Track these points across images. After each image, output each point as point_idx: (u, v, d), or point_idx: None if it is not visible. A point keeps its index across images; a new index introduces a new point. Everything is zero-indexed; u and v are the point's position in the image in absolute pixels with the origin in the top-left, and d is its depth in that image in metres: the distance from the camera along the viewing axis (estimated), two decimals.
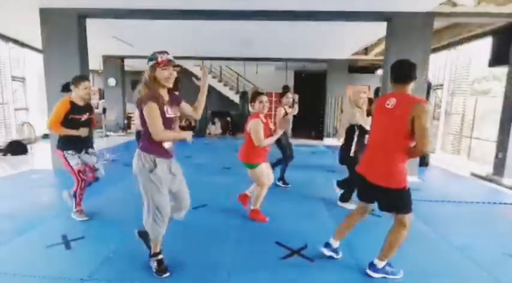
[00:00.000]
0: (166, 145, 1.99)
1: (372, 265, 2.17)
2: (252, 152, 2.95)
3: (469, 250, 2.58)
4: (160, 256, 2.14)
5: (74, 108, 2.83)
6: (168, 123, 1.94)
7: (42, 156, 6.12)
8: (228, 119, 10.97)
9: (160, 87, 1.93)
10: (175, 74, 1.95)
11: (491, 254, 2.56)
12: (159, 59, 1.87)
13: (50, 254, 2.40)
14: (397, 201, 2.00)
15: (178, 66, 1.97)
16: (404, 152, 1.94)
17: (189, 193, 2.21)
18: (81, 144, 2.94)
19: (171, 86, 1.95)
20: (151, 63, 1.89)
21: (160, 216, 2.00)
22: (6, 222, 2.97)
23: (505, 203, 3.94)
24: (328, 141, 9.62)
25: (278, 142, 4.29)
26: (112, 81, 10.06)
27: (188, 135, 1.99)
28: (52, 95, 4.94)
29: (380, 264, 2.14)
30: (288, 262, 2.37)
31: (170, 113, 1.96)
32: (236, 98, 11.24)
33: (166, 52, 1.92)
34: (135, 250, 2.40)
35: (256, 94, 3.05)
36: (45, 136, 7.83)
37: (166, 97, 1.97)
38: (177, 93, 2.13)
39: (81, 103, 2.89)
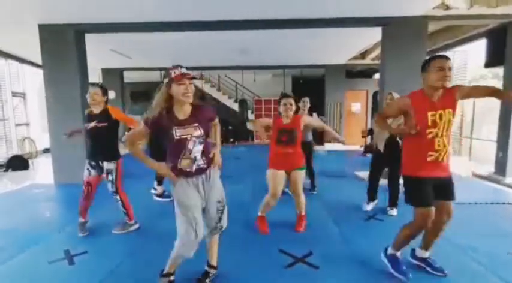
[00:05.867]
0: (182, 165, 1.87)
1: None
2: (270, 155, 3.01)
3: (474, 252, 2.56)
4: (172, 278, 2.07)
5: (87, 116, 2.92)
6: (178, 145, 1.83)
7: (44, 170, 6.13)
8: (230, 127, 11.01)
9: (179, 104, 1.83)
10: (192, 87, 1.81)
11: (496, 255, 2.53)
12: (173, 75, 1.77)
13: (53, 270, 2.38)
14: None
15: (193, 78, 1.82)
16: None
17: (220, 213, 2.06)
18: (95, 155, 2.91)
19: (190, 100, 1.82)
20: (166, 80, 1.80)
21: (183, 235, 1.90)
22: (9, 238, 2.96)
23: (508, 203, 3.92)
24: (329, 146, 9.62)
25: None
26: (111, 94, 10.12)
27: (163, 170, 1.92)
28: (52, 109, 4.98)
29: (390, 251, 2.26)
30: (293, 270, 2.35)
31: (178, 133, 1.81)
32: (235, 106, 11.30)
33: (179, 66, 1.80)
34: (139, 265, 2.39)
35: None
36: (46, 150, 7.85)
37: (186, 114, 1.86)
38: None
39: (93, 111, 2.90)
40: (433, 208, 2.02)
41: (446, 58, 2.00)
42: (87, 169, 2.93)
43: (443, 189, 2.07)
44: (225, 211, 2.10)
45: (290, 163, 2.94)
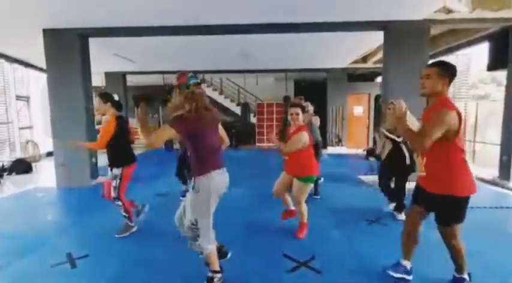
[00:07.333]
0: None
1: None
2: (314, 164, 2.93)
3: (480, 257, 2.53)
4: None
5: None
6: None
7: (47, 174, 6.15)
8: (233, 130, 11.00)
9: None
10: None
11: (502, 259, 2.52)
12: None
13: (55, 274, 2.38)
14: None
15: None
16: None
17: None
18: (109, 161, 3.01)
19: None
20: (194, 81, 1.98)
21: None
22: (12, 241, 2.97)
23: None
24: (331, 149, 9.60)
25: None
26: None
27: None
28: (56, 112, 5.01)
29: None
30: (296, 275, 2.34)
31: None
32: (237, 110, 11.31)
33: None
34: (141, 268, 2.39)
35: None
36: (49, 154, 7.88)
37: None
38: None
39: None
40: None
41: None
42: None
43: None
44: None
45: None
